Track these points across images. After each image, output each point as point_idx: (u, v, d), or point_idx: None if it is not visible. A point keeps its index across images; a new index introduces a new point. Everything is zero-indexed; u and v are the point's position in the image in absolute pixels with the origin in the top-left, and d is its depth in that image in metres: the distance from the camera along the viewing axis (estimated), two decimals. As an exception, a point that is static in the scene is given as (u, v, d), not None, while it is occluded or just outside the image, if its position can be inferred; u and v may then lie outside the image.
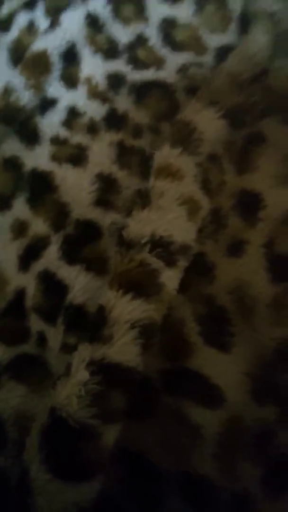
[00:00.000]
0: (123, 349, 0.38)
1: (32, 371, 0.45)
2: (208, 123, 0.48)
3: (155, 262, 0.42)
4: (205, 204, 0.47)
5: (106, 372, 0.37)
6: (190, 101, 0.52)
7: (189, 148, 0.47)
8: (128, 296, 0.40)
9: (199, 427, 0.39)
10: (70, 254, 0.49)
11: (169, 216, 0.43)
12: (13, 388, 0.43)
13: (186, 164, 0.46)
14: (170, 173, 0.45)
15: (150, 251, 0.42)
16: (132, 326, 0.39)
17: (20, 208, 0.52)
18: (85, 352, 0.38)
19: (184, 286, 0.44)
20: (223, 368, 0.42)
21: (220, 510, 0.37)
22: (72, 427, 0.36)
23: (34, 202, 0.52)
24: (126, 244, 0.42)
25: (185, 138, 0.47)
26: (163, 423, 0.40)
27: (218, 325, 0.43)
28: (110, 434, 0.37)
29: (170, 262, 0.43)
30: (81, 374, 0.37)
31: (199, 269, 0.46)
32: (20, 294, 0.48)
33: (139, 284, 0.41)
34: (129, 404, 0.38)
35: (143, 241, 0.42)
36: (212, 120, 0.49)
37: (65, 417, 0.36)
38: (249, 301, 0.44)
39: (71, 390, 0.37)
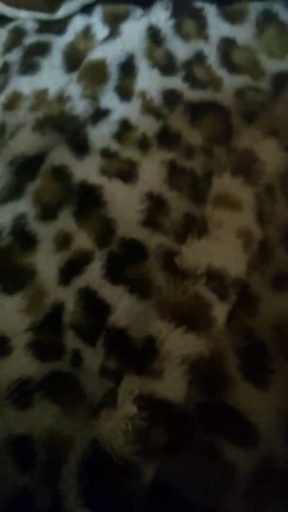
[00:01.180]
0: (172, 385, 0.37)
1: (66, 390, 0.43)
2: (271, 155, 0.47)
3: (209, 295, 0.40)
4: (258, 235, 0.46)
5: (154, 408, 0.36)
6: (246, 127, 0.51)
7: (250, 178, 0.46)
8: (181, 330, 0.39)
9: (232, 465, 0.38)
10: (114, 273, 0.48)
11: (226, 249, 0.42)
12: (46, 407, 0.42)
13: (246, 195, 0.45)
14: (230, 203, 0.44)
15: (205, 284, 0.41)
16: (183, 362, 0.38)
17: (65, 220, 0.51)
18: (133, 384, 0.37)
19: (226, 317, 0.43)
20: (259, 406, 0.40)
21: None
22: (115, 463, 0.34)
23: (81, 215, 0.51)
24: (179, 273, 0.41)
25: (247, 167, 0.46)
26: (197, 457, 0.39)
27: (257, 359, 0.42)
28: (150, 472, 0.36)
29: (223, 296, 0.41)
30: (129, 407, 0.36)
31: (242, 301, 0.44)
32: (59, 308, 0.47)
33: (192, 318, 0.39)
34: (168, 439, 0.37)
35: (199, 272, 0.41)
36: (275, 152, 0.48)
37: (109, 452, 0.35)
38: None
39: (117, 424, 0.35)
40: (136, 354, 0.39)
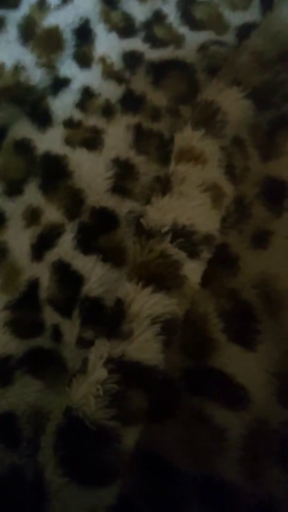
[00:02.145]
0: (144, 346, 0.36)
1: (47, 365, 0.43)
2: (233, 103, 0.45)
3: (177, 253, 0.39)
4: (229, 191, 0.44)
5: (126, 371, 0.35)
6: (212, 82, 0.49)
7: (213, 130, 0.44)
8: (149, 289, 0.37)
9: (222, 429, 0.37)
10: (86, 244, 0.47)
11: (191, 204, 0.40)
12: (28, 383, 0.42)
13: (210, 147, 0.43)
14: (192, 156, 0.42)
15: (171, 241, 0.39)
16: (153, 322, 0.36)
17: (32, 194, 0.50)
18: (102, 348, 0.36)
19: (206, 280, 0.41)
20: (248, 367, 0.39)
21: None
22: (90, 429, 0.33)
23: (47, 188, 0.50)
24: (145, 233, 0.40)
25: (208, 119, 0.44)
26: (185, 424, 0.38)
27: (243, 321, 0.41)
28: (130, 437, 0.35)
29: (193, 253, 0.40)
30: (99, 372, 0.35)
31: (222, 262, 0.43)
32: (34, 285, 0.46)
33: (160, 277, 0.38)
34: (150, 404, 0.36)
35: (164, 230, 0.39)
36: (237, 100, 0.45)
37: (82, 418, 0.34)
38: (275, 296, 0.42)
39: (88, 389, 0.34)
40: (107, 319, 0.38)
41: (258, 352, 0.40)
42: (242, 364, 0.39)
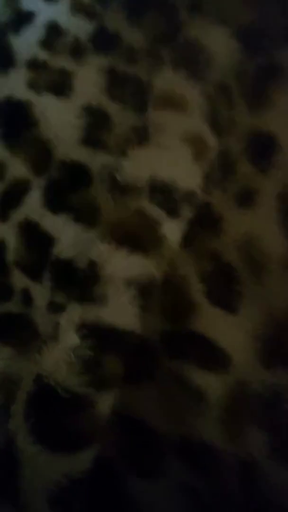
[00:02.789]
0: (119, 311, 0.34)
1: (18, 331, 0.40)
2: (218, 43, 0.40)
3: (155, 211, 0.36)
4: (213, 144, 0.41)
5: (99, 336, 0.33)
6: (195, 19, 0.44)
7: (196, 72, 0.39)
8: (123, 250, 0.34)
9: (202, 391, 0.37)
10: (55, 202, 0.43)
11: (171, 156, 0.37)
12: (-3, 350, 0.39)
13: (192, 91, 0.39)
14: (172, 102, 0.38)
15: (149, 198, 0.36)
16: (129, 284, 0.34)
17: (-6, 146, 0.45)
18: (74, 313, 0.34)
19: (187, 241, 0.39)
20: (229, 330, 0.38)
21: (224, 475, 0.36)
22: (61, 396, 0.32)
23: (11, 139, 0.44)
24: (120, 189, 0.36)
25: (191, 59, 0.39)
26: (163, 387, 0.37)
27: (225, 283, 0.39)
28: (106, 402, 0.34)
29: (172, 211, 0.37)
30: (71, 338, 0.33)
31: (204, 222, 0.40)
32: (0, 247, 0.43)
33: (136, 236, 0.35)
34: (126, 368, 0.35)
35: (140, 185, 0.36)
36: (223, 40, 0.41)
37: (53, 385, 0.32)
38: (259, 258, 0.40)
39: (59, 356, 0.33)
40: (79, 282, 0.36)
41: (240, 315, 0.38)
42: (223, 327, 0.38)
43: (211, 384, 0.37)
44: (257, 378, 0.37)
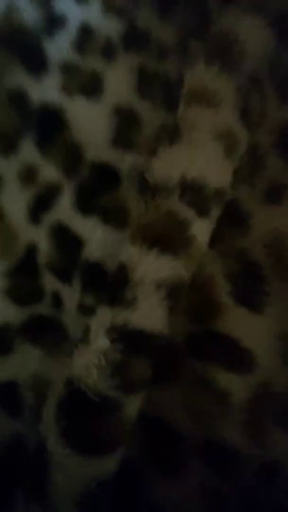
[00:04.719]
0: (148, 313, 0.33)
1: (48, 333, 0.41)
2: (252, 32, 0.38)
3: (185, 211, 0.35)
4: (244, 138, 0.39)
5: (129, 339, 0.33)
6: (226, 10, 0.42)
7: (229, 65, 0.37)
8: (154, 252, 0.34)
9: (226, 393, 0.36)
10: (85, 204, 0.43)
11: (202, 153, 0.35)
12: (28, 352, 0.40)
13: (225, 86, 0.37)
14: (204, 98, 0.36)
15: (179, 197, 0.35)
16: (158, 287, 0.33)
17: (28, 150, 0.45)
18: (105, 316, 0.33)
19: (214, 239, 0.38)
20: (255, 330, 0.37)
21: (246, 478, 0.35)
22: (92, 400, 0.32)
23: (44, 143, 0.45)
24: (150, 190, 0.35)
25: (224, 52, 0.38)
26: (188, 388, 0.37)
27: (251, 283, 0.38)
28: (133, 406, 0.33)
29: (203, 211, 0.36)
30: (101, 341, 0.32)
31: (231, 219, 0.39)
32: (32, 250, 0.43)
33: (166, 237, 0.34)
34: (153, 370, 0.34)
35: (171, 185, 0.35)
36: (257, 28, 0.39)
37: (84, 389, 0.32)
38: (287, 256, 0.38)
39: (90, 360, 0.32)
40: (109, 286, 0.35)
41: (266, 315, 0.37)
42: (248, 327, 0.37)
43: (235, 385, 0.36)
44: (281, 379, 0.36)
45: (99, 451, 0.33)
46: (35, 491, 0.33)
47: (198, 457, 0.35)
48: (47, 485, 0.32)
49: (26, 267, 0.43)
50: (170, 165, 0.35)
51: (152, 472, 0.35)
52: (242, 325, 0.37)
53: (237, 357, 0.36)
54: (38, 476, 0.33)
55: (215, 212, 0.37)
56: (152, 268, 0.33)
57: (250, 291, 0.38)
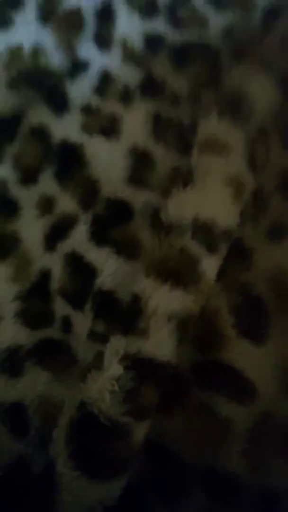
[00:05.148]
0: (159, 343, 0.35)
1: (57, 357, 0.42)
2: (261, 91, 0.43)
3: (197, 249, 0.38)
4: (250, 183, 0.43)
5: (141, 367, 0.35)
6: (237, 66, 0.47)
7: (239, 119, 0.42)
8: (167, 286, 0.36)
9: (228, 422, 0.37)
10: (99, 236, 0.46)
11: (213, 198, 0.39)
12: (37, 374, 0.41)
13: (235, 138, 0.41)
14: (216, 148, 0.40)
15: (191, 236, 0.38)
16: (169, 318, 0.36)
17: (47, 183, 0.48)
18: (118, 344, 0.35)
19: (219, 273, 0.40)
20: (257, 362, 0.39)
21: (246, 506, 0.36)
22: (103, 424, 0.33)
23: (63, 177, 0.48)
24: (164, 227, 0.38)
25: (235, 107, 0.42)
26: (191, 416, 0.38)
27: (254, 316, 0.40)
28: (141, 431, 0.35)
29: (212, 249, 0.39)
30: (115, 368, 0.34)
31: (236, 255, 0.42)
32: (46, 275, 0.45)
33: (179, 273, 0.37)
34: (160, 397, 0.36)
35: (184, 224, 0.38)
36: (266, 88, 0.43)
37: (96, 413, 0.33)
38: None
39: (104, 385, 0.34)
40: (123, 315, 0.37)
41: (267, 347, 0.39)
42: (251, 359, 0.39)
43: (237, 415, 0.37)
44: (282, 410, 0.37)
45: (107, 475, 0.34)
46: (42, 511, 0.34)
47: (200, 484, 0.36)
48: (54, 507, 0.33)
49: (39, 291, 0.45)
50: (184, 206, 0.38)
51: (154, 498, 0.36)
52: (245, 356, 0.39)
53: (240, 387, 0.38)
54: (46, 497, 0.34)
55: (223, 249, 0.40)
56: (164, 300, 0.36)
57: (252, 323, 0.40)
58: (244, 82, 0.44)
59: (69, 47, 0.52)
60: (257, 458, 0.36)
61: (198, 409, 0.38)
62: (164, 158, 0.47)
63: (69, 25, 0.52)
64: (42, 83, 0.51)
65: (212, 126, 0.42)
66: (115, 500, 0.34)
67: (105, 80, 0.52)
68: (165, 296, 0.36)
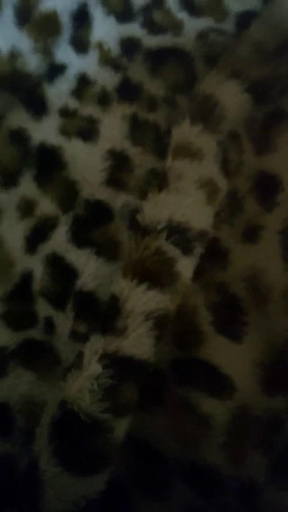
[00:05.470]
0: (137, 342, 0.36)
1: (40, 357, 0.43)
2: (231, 97, 0.44)
3: (172, 250, 0.39)
4: (223, 186, 0.44)
5: (119, 365, 0.36)
6: (210, 72, 0.48)
7: (211, 125, 0.43)
8: (143, 286, 0.37)
9: (208, 416, 0.39)
10: (79, 237, 0.47)
11: (187, 200, 0.40)
12: (20, 375, 0.42)
13: (207, 143, 0.43)
14: (189, 152, 0.42)
15: (166, 238, 0.39)
16: (147, 318, 0.37)
17: (27, 185, 0.49)
18: (97, 344, 0.36)
19: (196, 273, 0.42)
20: (234, 358, 0.41)
21: (227, 498, 0.37)
22: (84, 421, 0.34)
23: (42, 179, 0.49)
24: (141, 230, 0.40)
25: (207, 114, 0.43)
26: (172, 412, 0.39)
27: (231, 313, 0.42)
28: (121, 428, 0.36)
29: (187, 250, 0.40)
30: (94, 367, 0.35)
31: (212, 255, 0.43)
32: (27, 277, 0.46)
33: (155, 273, 0.38)
34: (140, 394, 0.37)
35: (159, 227, 0.39)
36: (236, 94, 0.45)
37: (77, 411, 0.35)
38: (263, 289, 0.42)
39: (83, 384, 0.35)
40: (101, 315, 0.39)
41: (244, 344, 0.41)
42: (228, 355, 0.41)
43: (216, 410, 0.39)
44: (259, 404, 0.39)
45: (89, 470, 0.35)
46: (27, 508, 0.35)
47: (181, 478, 0.37)
48: (39, 503, 0.34)
49: (21, 293, 0.46)
50: (159, 210, 0.40)
51: (138, 492, 0.38)
52: (222, 352, 0.40)
53: (218, 383, 0.40)
54: (31, 494, 0.35)
55: (198, 250, 0.41)
56: (141, 301, 0.37)
57: (229, 321, 0.42)
58: (215, 90, 0.45)
59: (46, 51, 0.52)
60: (236, 450, 0.38)
61: (178, 405, 0.39)
62: (141, 160, 0.48)
63: (45, 28, 0.53)
64: (20, 86, 0.52)
65: (185, 132, 0.43)
66: (99, 494, 0.35)
67: (82, 83, 0.52)
68: (141, 297, 0.37)
